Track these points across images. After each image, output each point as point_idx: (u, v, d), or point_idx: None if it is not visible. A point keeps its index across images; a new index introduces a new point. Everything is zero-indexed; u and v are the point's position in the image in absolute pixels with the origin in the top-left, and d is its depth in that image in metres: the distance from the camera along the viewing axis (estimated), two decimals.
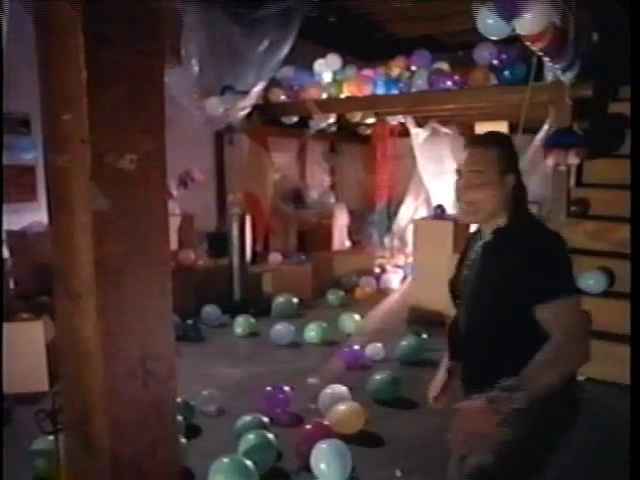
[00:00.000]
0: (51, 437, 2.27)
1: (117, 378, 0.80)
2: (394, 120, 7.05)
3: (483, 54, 4.93)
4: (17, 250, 4.21)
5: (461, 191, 1.51)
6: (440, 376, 1.76)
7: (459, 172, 1.53)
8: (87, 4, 0.75)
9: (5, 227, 4.26)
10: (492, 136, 1.60)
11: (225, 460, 2.53)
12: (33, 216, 4.43)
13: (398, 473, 2.79)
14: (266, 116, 6.34)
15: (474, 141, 1.58)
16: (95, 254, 0.76)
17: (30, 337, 3.61)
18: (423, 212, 7.67)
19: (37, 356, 3.69)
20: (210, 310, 5.28)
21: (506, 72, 4.77)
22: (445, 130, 6.66)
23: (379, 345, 4.47)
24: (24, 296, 4.07)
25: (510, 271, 1.43)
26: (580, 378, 3.92)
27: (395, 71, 5.73)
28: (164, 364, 0.85)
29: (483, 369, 1.53)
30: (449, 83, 5.18)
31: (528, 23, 3.33)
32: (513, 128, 5.81)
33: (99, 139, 0.75)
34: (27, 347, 3.64)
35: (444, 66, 5.43)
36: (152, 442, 0.85)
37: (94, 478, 0.85)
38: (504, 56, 4.79)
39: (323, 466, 2.67)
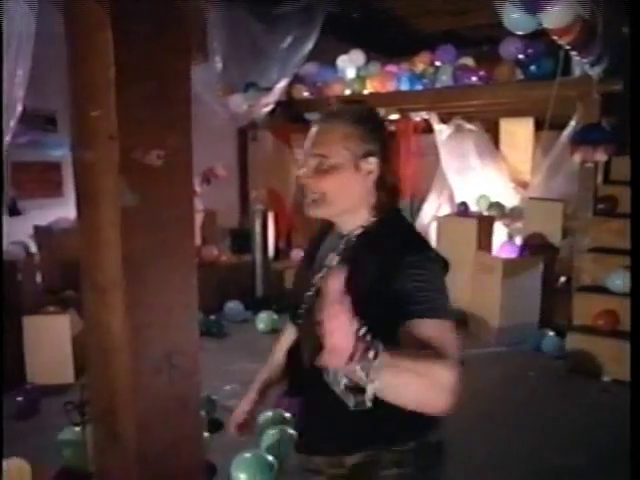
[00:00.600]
0: (79, 428, 2.32)
1: (143, 372, 0.81)
2: (418, 116, 6.99)
3: (509, 48, 4.86)
4: (44, 245, 4.29)
5: (303, 179, 1.20)
6: (250, 399, 1.38)
7: (304, 155, 1.21)
8: (115, 2, 0.75)
9: (32, 222, 4.35)
10: (344, 110, 1.23)
11: (247, 455, 2.55)
12: (59, 212, 4.51)
13: None
14: (289, 113, 6.35)
15: (321, 117, 1.23)
16: (122, 249, 0.77)
17: (56, 330, 3.68)
18: (446, 209, 7.60)
19: (63, 349, 3.76)
20: (233, 306, 5.31)
21: (532, 67, 4.69)
22: (469, 126, 6.57)
23: None
24: (51, 290, 4.15)
25: (381, 283, 1.10)
26: (606, 379, 3.90)
27: (419, 67, 5.68)
28: (189, 359, 0.85)
29: (333, 411, 1.05)
30: (474, 78, 5.12)
31: (555, 16, 3.27)
32: (539, 124, 5.72)
33: (127, 135, 0.75)
34: (53, 340, 3.71)
35: (469, 61, 5.37)
36: (177, 436, 0.86)
37: (120, 470, 0.86)
38: (530, 50, 4.71)
39: None
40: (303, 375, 1.17)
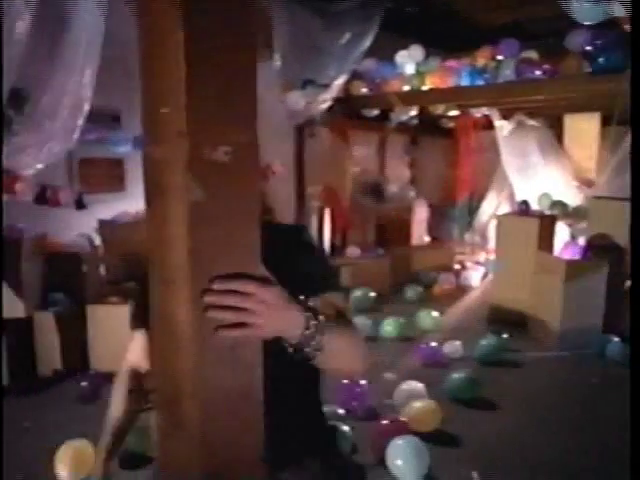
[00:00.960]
0: (142, 414, 2.40)
1: (207, 363, 0.83)
2: (478, 112, 6.85)
3: (575, 40, 4.67)
4: (107, 238, 4.47)
5: None
6: (108, 438, 1.43)
7: None
8: (186, 2, 0.77)
9: (96, 216, 4.54)
10: None
11: None
12: (122, 206, 4.69)
13: (475, 475, 2.73)
14: (347, 109, 6.34)
15: None
16: (189, 242, 0.79)
17: (117, 319, 3.83)
18: (506, 208, 7.41)
19: (123, 338, 3.90)
20: None
21: (601, 59, 4.49)
22: (532, 122, 6.39)
23: (458, 343, 4.39)
24: (113, 282, 4.32)
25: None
26: None
27: (480, 61, 5.56)
28: (252, 352, 0.87)
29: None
30: (538, 72, 4.96)
31: (628, 4, 3.13)
32: (607, 119, 5.48)
33: (195, 131, 0.77)
34: (114, 329, 3.86)
35: (533, 54, 5.21)
36: (239, 427, 0.88)
37: (183, 457, 0.88)
38: (598, 42, 4.50)
39: (399, 462, 2.66)
40: None
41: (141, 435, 2.58)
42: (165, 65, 0.80)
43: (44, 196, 4.15)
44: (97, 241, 4.51)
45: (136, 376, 1.45)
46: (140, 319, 1.36)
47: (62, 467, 2.69)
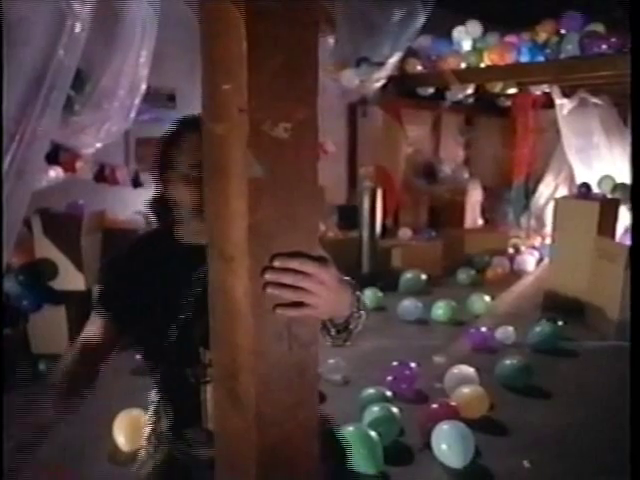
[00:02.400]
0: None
1: (264, 339, 0.84)
2: (538, 90, 6.59)
3: None
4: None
5: None
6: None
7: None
8: None
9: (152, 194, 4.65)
10: None
11: (351, 429, 2.60)
12: None
13: (526, 464, 2.69)
14: (402, 88, 6.23)
15: None
16: (249, 219, 0.80)
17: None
18: (564, 191, 7.15)
19: None
20: None
21: None
22: (595, 100, 6.10)
23: (510, 329, 4.30)
24: None
25: None
26: None
27: (542, 36, 5.33)
28: (308, 329, 0.87)
29: None
30: (604, 47, 4.71)
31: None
32: None
33: (256, 108, 0.77)
34: None
35: (599, 28, 4.95)
36: (294, 403, 0.88)
37: (240, 430, 0.90)
38: None
39: (444, 447, 2.64)
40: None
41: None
42: (226, 42, 0.79)
43: (103, 174, 4.29)
44: (151, 218, 4.63)
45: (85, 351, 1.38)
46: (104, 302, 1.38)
47: (120, 434, 2.81)
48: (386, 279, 5.54)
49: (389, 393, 3.17)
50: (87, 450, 2.79)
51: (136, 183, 4.60)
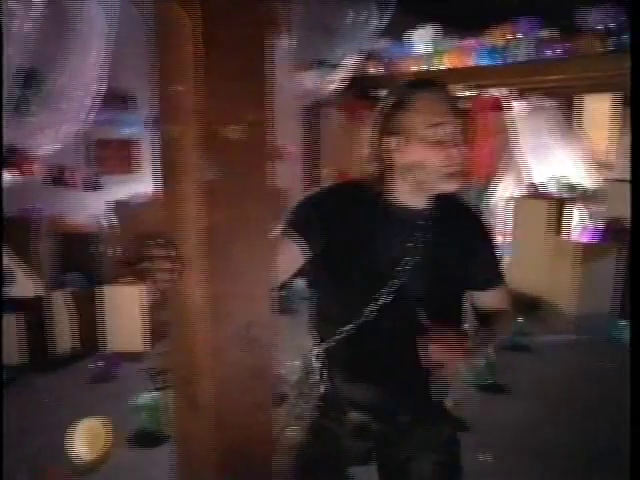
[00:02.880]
0: (155, 393, 2.43)
1: (223, 342, 0.83)
2: (495, 92, 6.73)
3: (595, 17, 4.54)
4: (122, 219, 4.49)
5: (449, 146, 1.22)
6: None
7: (438, 124, 1.20)
8: None
9: (111, 197, 4.55)
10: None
11: None
12: (137, 187, 4.69)
13: (484, 457, 2.74)
14: (359, 89, 6.27)
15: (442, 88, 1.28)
16: (205, 221, 0.79)
17: (133, 299, 3.86)
18: (520, 190, 7.33)
19: (139, 317, 3.95)
20: (301, 282, 5.37)
21: (624, 36, 4.36)
22: (548, 103, 6.28)
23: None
24: (128, 261, 4.35)
25: (463, 259, 1.28)
26: None
27: (498, 40, 5.44)
28: (268, 331, 0.87)
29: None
30: (557, 51, 4.84)
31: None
32: (626, 100, 5.37)
33: (211, 109, 0.76)
34: (130, 309, 3.90)
35: (552, 33, 5.08)
36: (253, 405, 0.88)
37: (199, 434, 0.89)
38: (622, 18, 4.37)
39: None
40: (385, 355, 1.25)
41: (156, 414, 2.62)
42: (179, 43, 0.79)
43: (61, 177, 4.18)
44: (112, 221, 4.54)
45: None
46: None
47: (78, 444, 2.74)
48: None
49: None
50: (47, 460, 2.71)
51: (95, 186, 4.49)
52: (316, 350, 1.35)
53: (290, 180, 6.20)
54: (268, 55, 0.81)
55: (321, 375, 1.34)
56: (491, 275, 1.36)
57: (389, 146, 1.22)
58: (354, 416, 1.30)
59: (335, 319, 1.28)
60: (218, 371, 0.84)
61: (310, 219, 1.26)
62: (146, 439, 2.70)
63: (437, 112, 1.20)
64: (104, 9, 3.58)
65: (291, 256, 1.22)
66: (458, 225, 1.29)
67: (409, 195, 1.24)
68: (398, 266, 1.22)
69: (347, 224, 1.25)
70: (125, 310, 3.94)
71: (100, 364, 3.65)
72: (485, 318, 1.34)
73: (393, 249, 1.24)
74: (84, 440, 2.73)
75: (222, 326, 0.83)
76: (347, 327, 1.24)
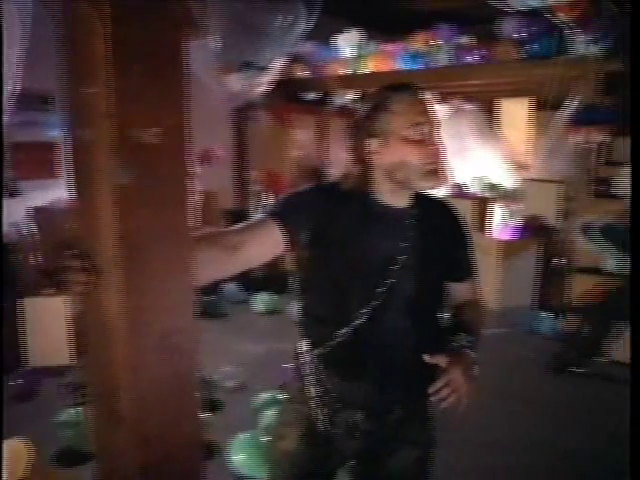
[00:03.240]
0: (77, 409, 2.33)
1: (142, 352, 0.80)
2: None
3: (509, 26, 4.78)
4: (43, 226, 4.27)
5: (421, 146, 1.26)
6: None
7: (413, 123, 1.25)
8: None
9: (30, 203, 4.33)
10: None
11: (245, 436, 2.57)
12: (57, 193, 4.48)
13: None
14: (287, 92, 6.28)
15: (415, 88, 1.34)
16: (119, 228, 0.76)
17: (54, 312, 3.69)
18: (444, 190, 7.57)
19: (61, 330, 3.77)
20: (231, 287, 5.32)
21: (534, 45, 4.62)
22: (468, 106, 6.54)
23: None
24: (50, 272, 4.14)
25: (446, 255, 1.35)
26: (605, 360, 3.93)
27: (419, 45, 5.61)
28: (188, 339, 0.85)
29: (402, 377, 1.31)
30: (474, 57, 5.06)
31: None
32: (540, 104, 5.68)
33: (123, 112, 0.74)
34: (52, 321, 3.72)
35: (469, 40, 5.30)
36: (177, 415, 0.86)
37: (120, 449, 0.86)
38: (532, 28, 4.63)
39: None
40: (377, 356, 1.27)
41: (79, 430, 2.51)
42: (88, 43, 0.76)
43: None
44: (32, 229, 4.31)
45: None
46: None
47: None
48: (279, 282, 5.55)
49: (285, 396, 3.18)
50: None
51: (12, 192, 4.25)
52: (309, 355, 1.33)
53: (219, 183, 6.13)
54: (183, 57, 0.80)
55: (315, 379, 1.32)
56: (467, 266, 1.44)
57: (371, 148, 1.26)
58: (346, 416, 1.30)
59: (328, 323, 1.28)
60: (139, 382, 0.81)
61: (295, 211, 1.28)
62: (71, 457, 2.58)
63: (415, 113, 1.25)
64: (17, 7, 3.40)
65: (268, 244, 1.24)
66: (439, 221, 1.36)
67: (391, 195, 1.28)
68: (391, 265, 1.24)
69: (333, 224, 1.27)
70: (48, 323, 3.75)
71: (20, 381, 3.45)
72: (459, 308, 1.40)
73: (384, 249, 1.26)
74: (5, 463, 2.58)
75: (141, 336, 0.80)
76: (343, 330, 1.25)
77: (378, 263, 1.25)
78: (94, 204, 0.82)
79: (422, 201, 1.33)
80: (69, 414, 2.66)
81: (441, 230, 1.35)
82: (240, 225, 1.29)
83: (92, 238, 0.84)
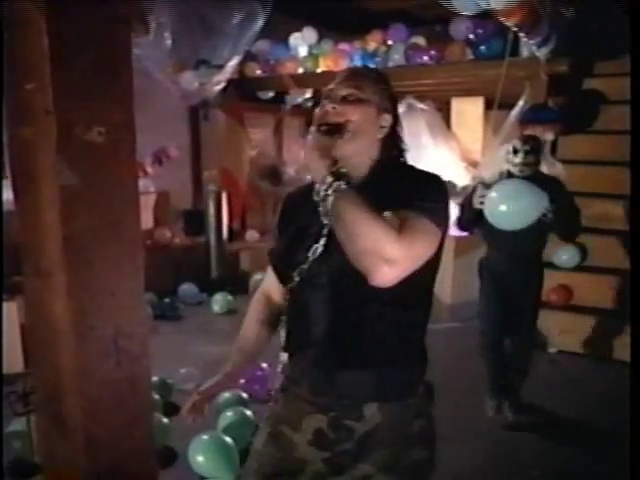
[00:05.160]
0: (26, 418, 2.24)
1: (89, 357, 0.78)
2: None
3: (459, 28, 4.90)
4: None
5: (327, 106, 1.26)
6: (220, 382, 1.38)
7: (330, 90, 1.27)
8: None
9: None
10: (371, 69, 1.43)
11: (204, 438, 2.54)
12: (6, 194, 4.32)
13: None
14: (242, 91, 6.24)
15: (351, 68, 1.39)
16: (63, 230, 0.74)
17: (4, 317, 3.55)
18: None
19: (11, 337, 3.63)
20: (187, 288, 5.24)
21: (482, 47, 4.74)
22: (421, 106, 6.63)
23: None
24: None
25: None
26: (552, 350, 4.07)
27: (371, 45, 5.67)
28: (137, 342, 0.83)
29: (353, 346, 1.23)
30: (426, 58, 5.14)
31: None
32: (490, 104, 5.82)
33: (65, 110, 0.71)
34: (4, 327, 3.58)
35: (420, 40, 5.39)
36: (127, 421, 0.84)
37: (68, 458, 0.83)
38: (480, 31, 4.76)
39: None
40: (315, 324, 1.22)
41: (28, 440, 2.42)
42: (27, 37, 0.73)
43: None
44: None
45: (269, 304, 1.37)
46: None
47: None
48: (236, 282, 5.51)
49: (244, 395, 3.16)
50: None
51: None
52: (283, 356, 1.32)
53: (174, 183, 6.04)
54: (125, 53, 0.78)
55: (284, 379, 1.31)
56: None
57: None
58: (311, 422, 1.25)
59: (301, 329, 1.27)
60: (86, 388, 0.78)
61: (279, 217, 1.34)
62: (22, 469, 2.49)
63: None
64: None
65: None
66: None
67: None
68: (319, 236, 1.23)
69: (293, 214, 1.33)
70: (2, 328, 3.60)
71: None
72: None
73: (316, 223, 1.24)
74: None
75: (87, 340, 0.78)
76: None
77: (311, 235, 1.24)
78: (38, 205, 0.79)
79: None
80: (20, 424, 2.56)
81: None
82: None
83: (36, 240, 0.81)
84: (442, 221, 1.17)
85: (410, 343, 1.26)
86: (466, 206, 2.98)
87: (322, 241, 1.21)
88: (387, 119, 1.25)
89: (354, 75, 1.27)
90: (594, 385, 3.56)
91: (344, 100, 1.22)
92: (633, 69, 1.35)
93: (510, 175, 2.88)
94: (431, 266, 1.21)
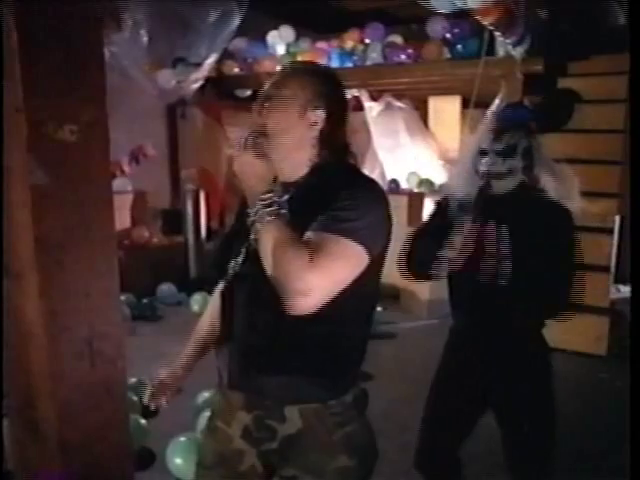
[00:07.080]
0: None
1: (63, 359, 0.77)
2: (349, 94, 6.99)
3: (436, 27, 4.93)
4: None
5: (254, 116, 1.26)
6: (173, 374, 1.42)
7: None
8: None
9: None
10: (302, 64, 1.45)
11: (182, 439, 2.52)
12: None
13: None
14: (219, 89, 6.19)
15: (282, 67, 1.36)
16: (35, 231, 0.72)
17: None
18: (383, 186, 7.68)
19: None
20: (166, 288, 5.20)
21: (459, 46, 4.79)
22: (399, 104, 6.66)
23: None
24: None
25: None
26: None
27: (349, 44, 5.67)
28: (112, 344, 0.82)
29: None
30: (403, 56, 5.17)
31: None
32: (466, 102, 5.86)
33: (35, 108, 0.70)
34: None
35: (398, 39, 5.41)
36: (102, 424, 0.83)
37: (42, 463, 0.82)
38: (457, 30, 4.80)
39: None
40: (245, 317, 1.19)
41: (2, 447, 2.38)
42: None
43: None
44: None
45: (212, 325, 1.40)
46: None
47: None
48: (215, 282, 5.46)
49: None
50: None
51: None
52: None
53: (152, 182, 5.97)
54: (97, 50, 0.76)
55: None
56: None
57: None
58: (240, 418, 1.24)
59: (226, 328, 1.29)
60: (59, 391, 0.77)
61: (235, 214, 1.38)
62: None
63: None
64: None
65: None
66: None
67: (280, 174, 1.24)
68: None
69: (238, 222, 1.33)
70: None
71: None
72: None
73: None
74: None
75: (60, 342, 0.76)
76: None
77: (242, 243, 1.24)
78: (8, 204, 0.78)
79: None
80: None
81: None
82: None
83: (7, 240, 0.79)
84: (369, 237, 1.11)
85: (332, 351, 1.20)
86: (420, 237, 1.99)
87: (242, 255, 1.22)
88: (318, 115, 1.18)
89: (278, 74, 1.24)
90: (580, 381, 3.62)
91: (264, 102, 1.20)
92: (633, 69, 1.32)
93: (482, 192, 1.89)
94: (362, 281, 1.13)
